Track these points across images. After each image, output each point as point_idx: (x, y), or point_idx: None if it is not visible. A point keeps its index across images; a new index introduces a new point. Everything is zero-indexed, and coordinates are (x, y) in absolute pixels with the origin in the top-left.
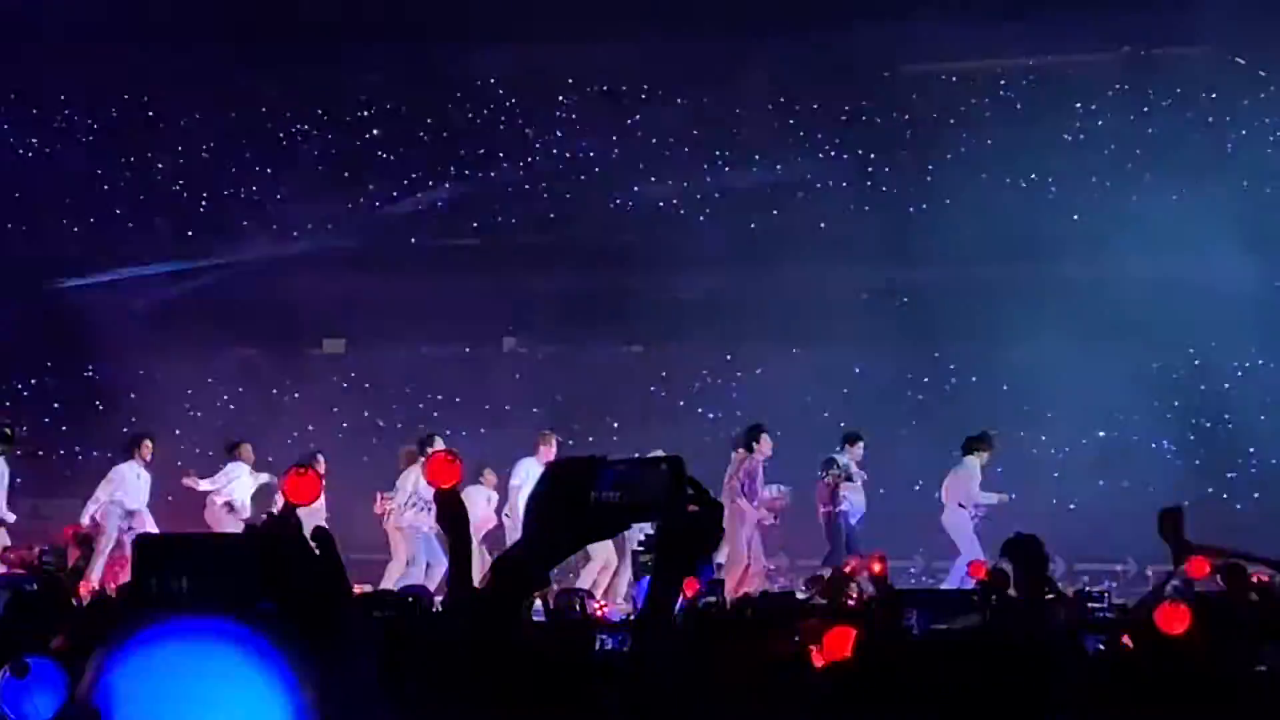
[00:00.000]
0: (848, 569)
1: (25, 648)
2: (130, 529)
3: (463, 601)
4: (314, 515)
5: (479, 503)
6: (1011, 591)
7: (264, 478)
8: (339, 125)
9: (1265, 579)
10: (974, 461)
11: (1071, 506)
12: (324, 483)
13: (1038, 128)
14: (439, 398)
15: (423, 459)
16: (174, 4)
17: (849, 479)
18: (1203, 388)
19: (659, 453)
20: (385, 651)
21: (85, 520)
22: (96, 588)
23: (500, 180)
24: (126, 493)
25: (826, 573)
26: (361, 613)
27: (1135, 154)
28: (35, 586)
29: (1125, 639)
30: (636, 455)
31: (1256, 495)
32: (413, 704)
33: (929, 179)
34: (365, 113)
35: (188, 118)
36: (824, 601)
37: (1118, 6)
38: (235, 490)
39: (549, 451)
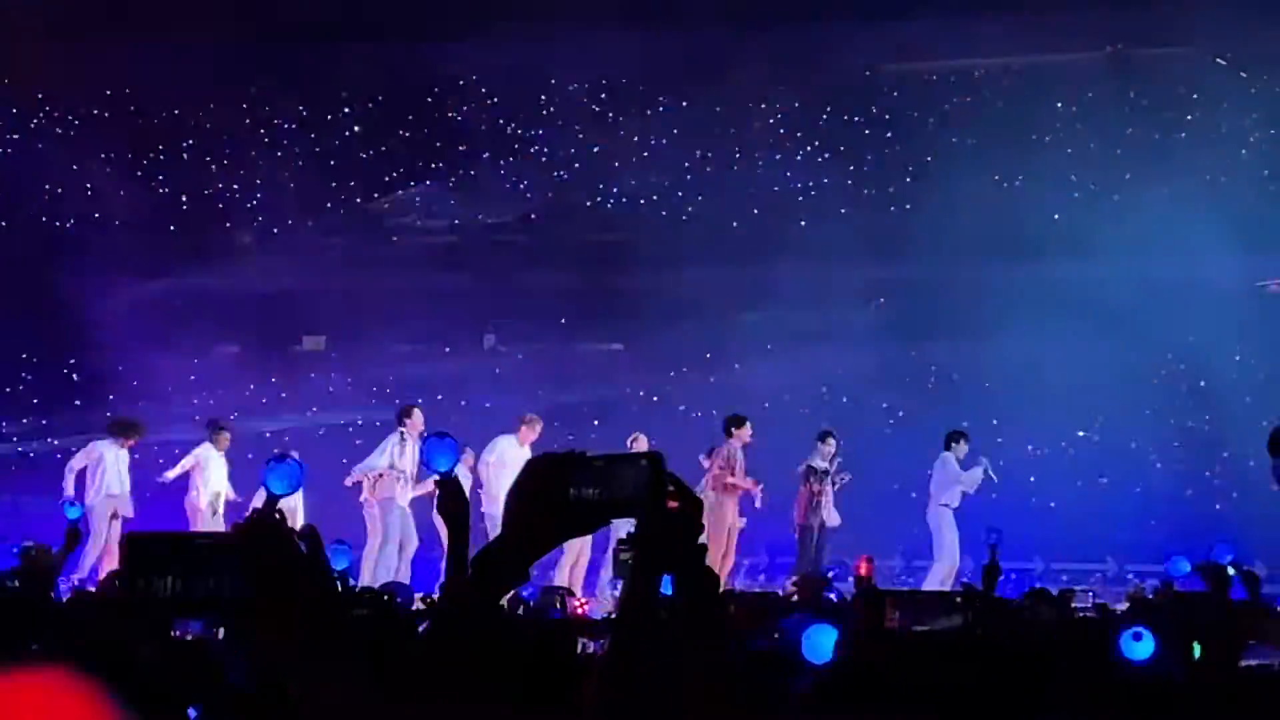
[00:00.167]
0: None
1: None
2: (116, 515)
3: (457, 588)
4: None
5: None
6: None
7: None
8: (320, 122)
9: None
10: (950, 456)
11: (1051, 505)
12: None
13: (1019, 127)
14: (419, 394)
15: (401, 429)
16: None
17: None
18: (1183, 388)
19: (640, 439)
20: (368, 651)
21: (69, 490)
22: (76, 583)
23: (480, 178)
24: (104, 472)
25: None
26: (348, 614)
27: (1116, 153)
28: (17, 583)
29: None
30: (616, 452)
31: (1235, 495)
32: (396, 703)
33: (910, 178)
34: (346, 110)
35: (168, 115)
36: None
37: (1099, 7)
38: (208, 477)
39: (529, 434)
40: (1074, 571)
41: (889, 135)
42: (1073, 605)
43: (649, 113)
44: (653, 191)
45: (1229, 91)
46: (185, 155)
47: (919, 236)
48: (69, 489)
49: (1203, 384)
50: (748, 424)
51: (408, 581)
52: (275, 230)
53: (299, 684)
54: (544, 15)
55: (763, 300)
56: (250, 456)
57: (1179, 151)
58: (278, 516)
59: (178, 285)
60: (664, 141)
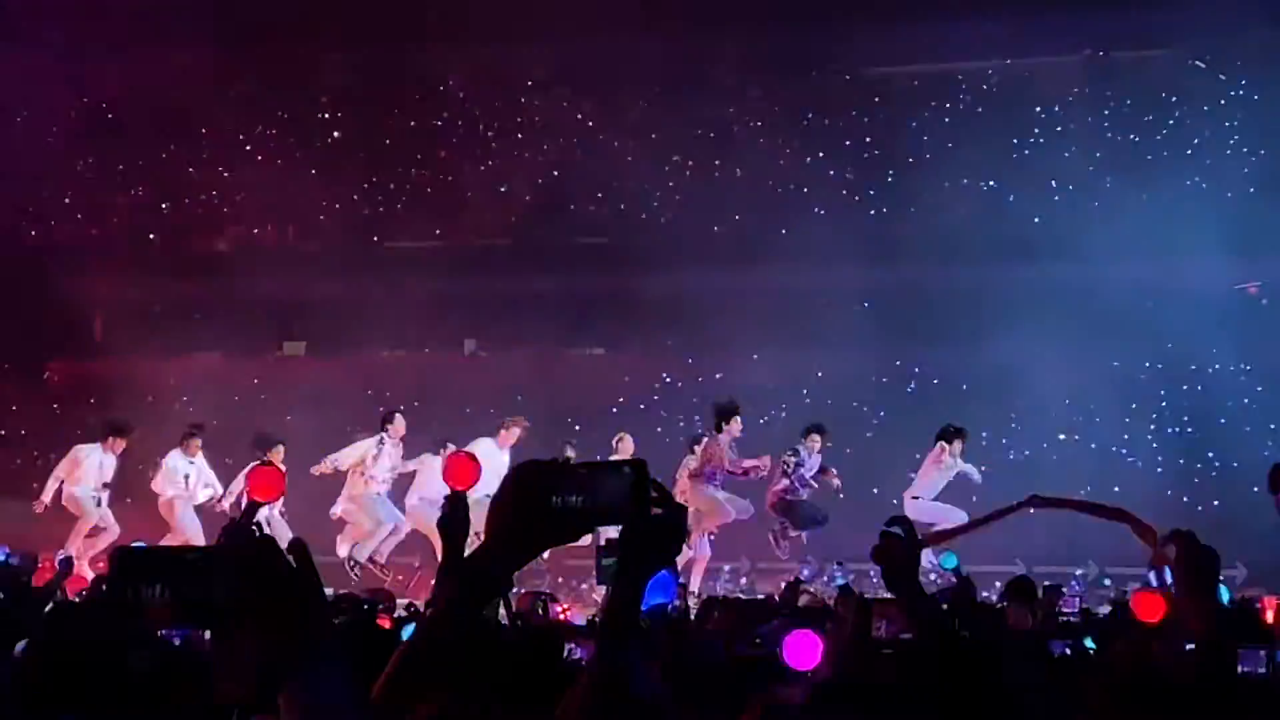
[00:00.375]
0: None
1: None
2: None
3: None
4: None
5: (437, 473)
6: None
7: (210, 478)
8: (300, 127)
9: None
10: (943, 448)
11: (1030, 513)
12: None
13: (999, 131)
14: (399, 400)
15: (383, 434)
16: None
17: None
18: (1163, 391)
19: (626, 439)
20: (353, 660)
21: (46, 498)
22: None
23: (460, 182)
24: (86, 475)
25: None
26: (336, 626)
27: (1096, 157)
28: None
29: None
30: (599, 459)
31: (1216, 502)
32: (382, 710)
33: (890, 181)
34: (326, 115)
35: (147, 119)
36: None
37: (1078, 10)
38: (166, 480)
39: (509, 438)
40: (1055, 575)
41: (869, 139)
42: (1058, 608)
43: (629, 116)
44: (634, 195)
45: (1208, 94)
46: (165, 158)
47: (900, 241)
48: (47, 497)
49: (1184, 387)
50: (738, 418)
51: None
52: (255, 232)
53: (287, 693)
54: (524, 19)
55: (745, 305)
56: (229, 461)
57: (1159, 155)
58: (256, 529)
59: (155, 291)
60: (645, 145)
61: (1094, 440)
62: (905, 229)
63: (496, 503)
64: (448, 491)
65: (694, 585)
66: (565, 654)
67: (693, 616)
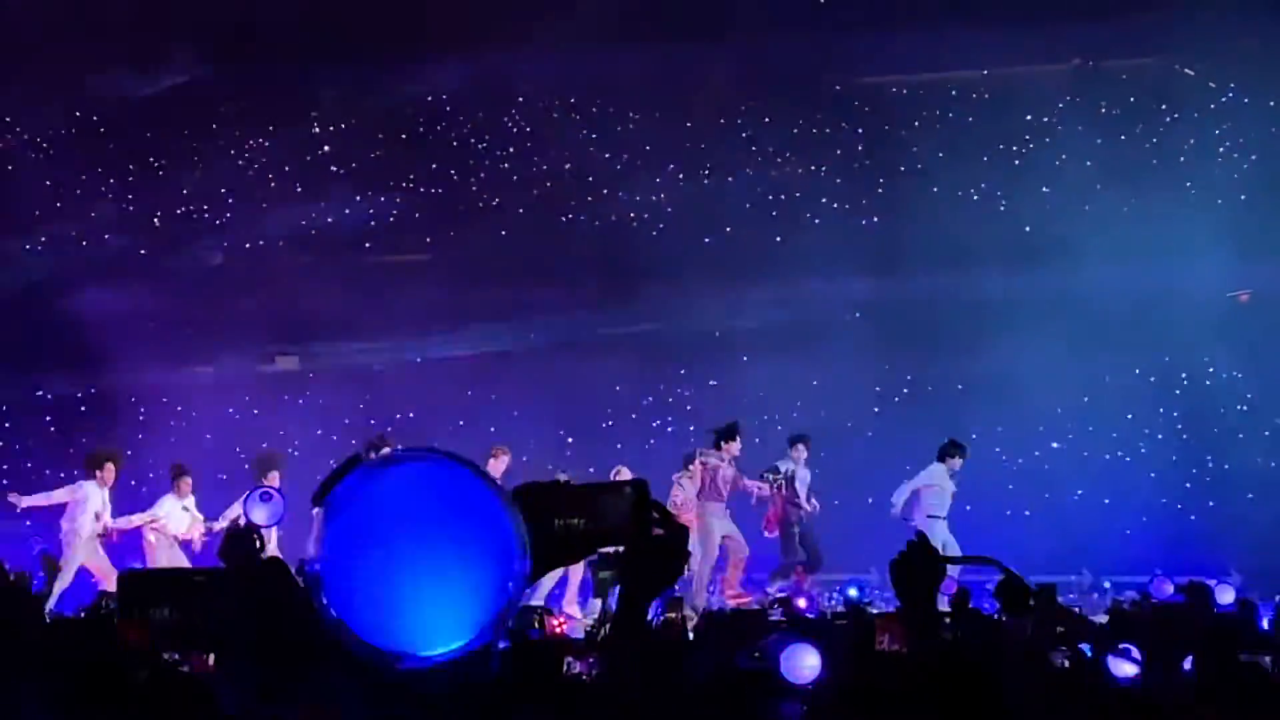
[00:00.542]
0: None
1: None
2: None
3: None
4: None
5: None
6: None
7: (196, 516)
8: (290, 142)
9: None
10: (941, 468)
11: (1027, 515)
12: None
13: (990, 140)
14: (394, 413)
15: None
16: (127, 14)
17: (790, 486)
18: (1158, 398)
19: (621, 472)
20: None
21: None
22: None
23: (451, 195)
24: (84, 512)
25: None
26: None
27: (1086, 165)
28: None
29: None
30: (600, 480)
31: (1211, 504)
32: None
33: (881, 191)
34: (316, 129)
35: (138, 134)
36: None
37: (1068, 19)
38: (167, 525)
39: (498, 466)
40: (1049, 583)
41: (860, 148)
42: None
43: (620, 128)
44: (626, 207)
45: (1198, 102)
46: (160, 173)
47: (892, 250)
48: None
49: (1177, 394)
50: (737, 438)
51: None
52: (247, 247)
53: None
54: (513, 31)
55: (737, 315)
56: (223, 477)
57: (1149, 162)
58: (256, 541)
59: (145, 306)
60: (636, 157)
61: (1087, 448)
62: (897, 238)
63: None
64: None
65: (698, 600)
66: (565, 668)
67: (691, 631)
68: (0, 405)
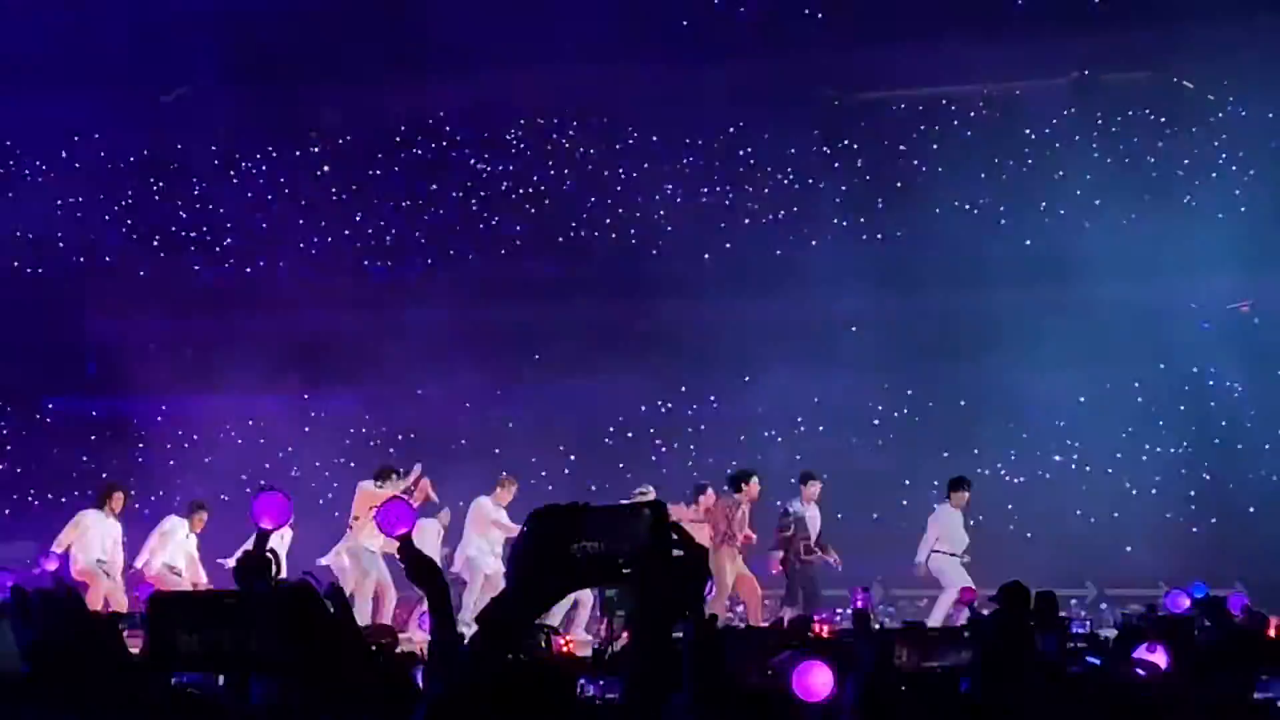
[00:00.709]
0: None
1: None
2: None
3: (447, 646)
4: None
5: (430, 535)
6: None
7: (193, 555)
8: (289, 162)
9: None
10: (948, 508)
11: (1028, 535)
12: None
13: (989, 154)
14: (397, 435)
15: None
16: (126, 37)
17: (802, 528)
18: (1159, 411)
19: (647, 492)
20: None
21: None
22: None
23: (449, 215)
24: (89, 542)
25: (789, 614)
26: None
27: (1085, 179)
28: None
29: None
30: (618, 503)
31: (1214, 518)
32: None
33: (880, 206)
34: (315, 149)
35: (136, 156)
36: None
37: (1066, 33)
38: (171, 555)
39: (505, 495)
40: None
41: (859, 164)
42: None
43: (618, 146)
44: (624, 225)
45: (1197, 115)
46: (156, 196)
47: (891, 265)
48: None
49: (1180, 407)
50: (755, 479)
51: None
52: (248, 271)
53: None
54: (513, 52)
55: (736, 331)
56: (224, 498)
57: (1149, 175)
58: (270, 557)
59: (148, 330)
60: (634, 175)
61: (1090, 461)
62: (897, 253)
63: (517, 552)
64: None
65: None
66: (579, 690)
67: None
68: (2, 429)
